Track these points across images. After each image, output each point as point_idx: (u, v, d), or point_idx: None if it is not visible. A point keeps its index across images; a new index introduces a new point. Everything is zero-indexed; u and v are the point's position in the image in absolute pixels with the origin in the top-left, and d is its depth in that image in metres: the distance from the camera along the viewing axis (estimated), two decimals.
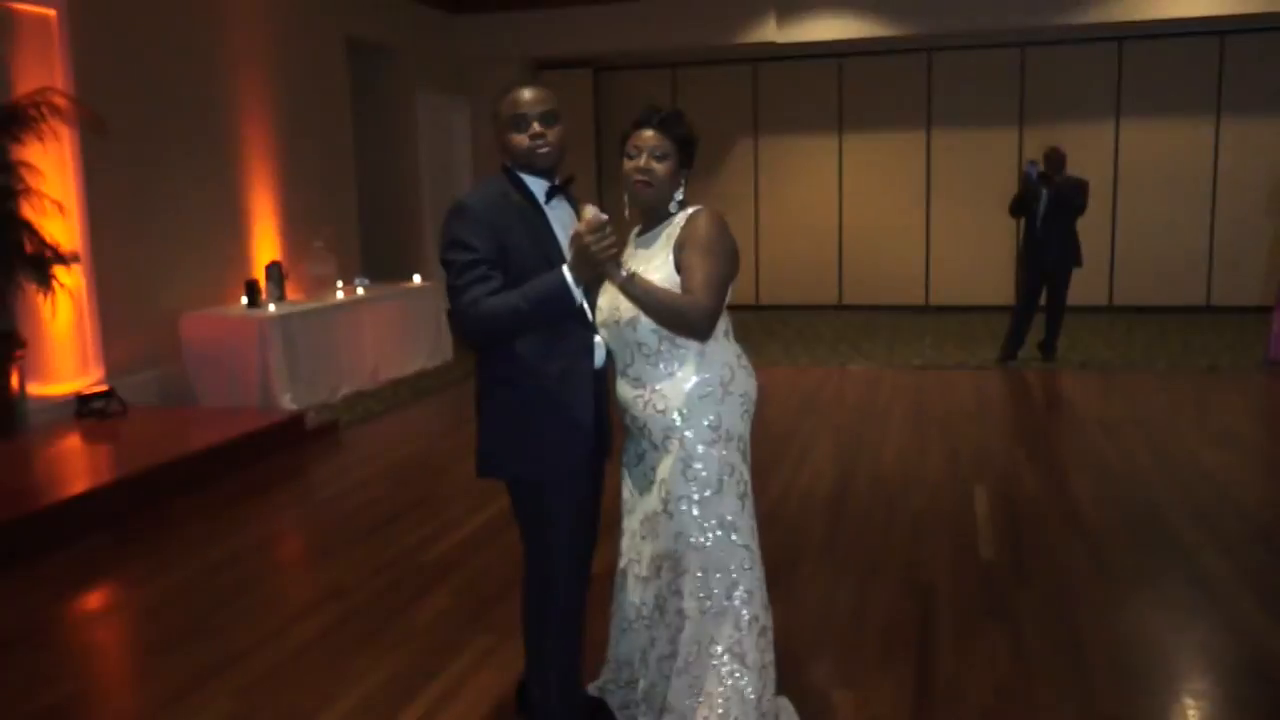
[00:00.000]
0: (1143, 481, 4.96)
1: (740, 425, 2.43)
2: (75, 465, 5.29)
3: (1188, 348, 8.48)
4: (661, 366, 2.40)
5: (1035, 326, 8.15)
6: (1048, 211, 7.75)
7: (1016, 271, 8.12)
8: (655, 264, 2.39)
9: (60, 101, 5.47)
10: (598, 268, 2.23)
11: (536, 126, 2.38)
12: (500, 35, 10.64)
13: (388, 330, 7.78)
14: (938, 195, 11.02)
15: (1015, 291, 8.15)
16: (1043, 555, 4.02)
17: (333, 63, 8.57)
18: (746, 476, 2.45)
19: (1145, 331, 9.36)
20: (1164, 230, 10.52)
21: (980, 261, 10.91)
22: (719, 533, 2.39)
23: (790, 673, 3.09)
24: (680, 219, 2.43)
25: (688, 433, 2.38)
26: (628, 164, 2.41)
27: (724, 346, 2.44)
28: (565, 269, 2.26)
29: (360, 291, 7.78)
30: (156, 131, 6.61)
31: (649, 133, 2.39)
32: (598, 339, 2.45)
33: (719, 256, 2.37)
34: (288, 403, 6.49)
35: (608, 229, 2.20)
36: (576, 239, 2.22)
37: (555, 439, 2.39)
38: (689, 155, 2.45)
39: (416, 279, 8.63)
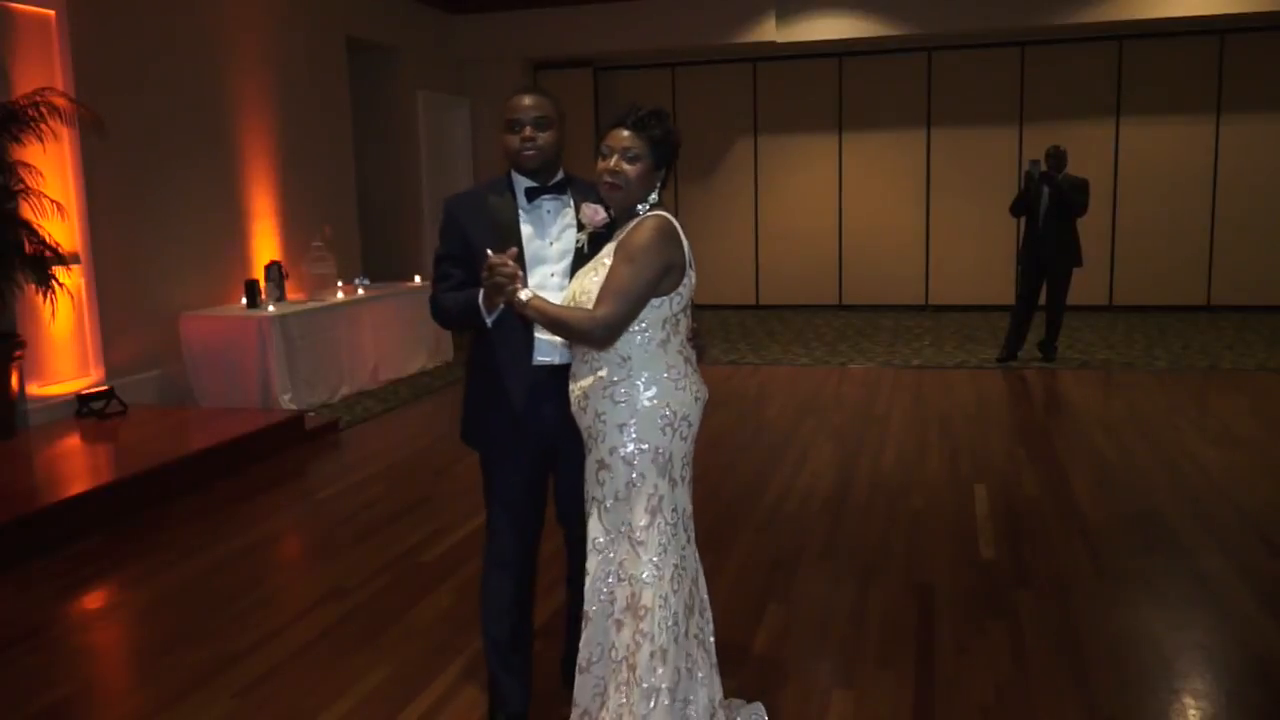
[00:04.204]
0: (1143, 481, 4.96)
1: (661, 438, 2.34)
2: (75, 465, 5.29)
3: (1188, 348, 8.48)
4: (589, 364, 2.40)
5: (1035, 326, 8.15)
6: (1049, 210, 7.74)
7: (1016, 271, 8.12)
8: (604, 264, 2.37)
9: (60, 101, 5.48)
10: (497, 297, 2.39)
11: (527, 130, 2.52)
12: (500, 35, 10.65)
13: (388, 330, 7.79)
14: (938, 195, 11.02)
15: (1015, 291, 8.16)
16: (1043, 555, 4.02)
17: (333, 63, 8.58)
18: (664, 491, 2.35)
19: (1145, 331, 9.36)
20: (1164, 230, 10.52)
21: (980, 261, 10.91)
22: (624, 542, 2.36)
23: (790, 673, 3.10)
24: (635, 222, 2.38)
25: (602, 435, 2.37)
26: (600, 164, 2.37)
27: (653, 357, 2.35)
28: (479, 293, 2.47)
29: (360, 291, 7.78)
30: (156, 131, 6.62)
31: (623, 132, 2.35)
32: (548, 337, 2.52)
33: (639, 267, 2.27)
34: (288, 403, 6.49)
35: (499, 267, 2.32)
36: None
37: (492, 420, 2.63)
38: (665, 156, 2.38)
39: (417, 279, 8.63)
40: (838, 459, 5.47)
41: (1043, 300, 8.00)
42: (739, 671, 3.04)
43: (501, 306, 2.46)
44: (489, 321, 2.51)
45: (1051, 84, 10.54)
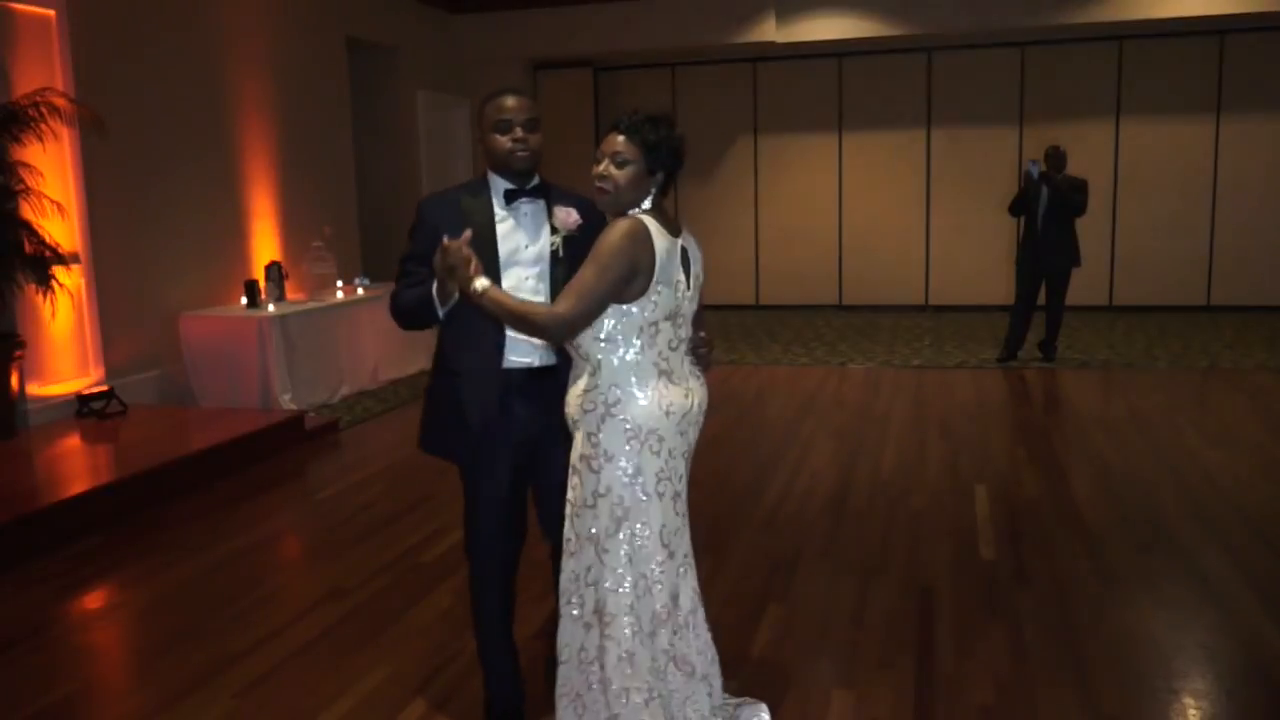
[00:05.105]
0: (1143, 481, 4.96)
1: (625, 451, 2.31)
2: (75, 465, 5.29)
3: (1188, 348, 8.48)
4: (576, 369, 2.41)
5: (1035, 326, 8.15)
6: (1047, 211, 7.74)
7: (1016, 271, 8.14)
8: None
9: (60, 101, 5.48)
10: (451, 283, 2.35)
11: (519, 132, 2.54)
12: (500, 35, 10.65)
13: (388, 330, 7.77)
14: (938, 195, 11.02)
15: (1015, 291, 8.18)
16: (1043, 555, 4.02)
17: (333, 63, 8.57)
18: (631, 503, 2.32)
19: (1145, 331, 9.36)
20: (1164, 230, 10.51)
21: (980, 261, 10.91)
22: (589, 548, 2.37)
23: (790, 673, 3.09)
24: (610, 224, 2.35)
25: (576, 441, 2.39)
26: (594, 168, 2.36)
27: (622, 368, 2.31)
28: (434, 284, 2.42)
29: (360, 291, 7.78)
30: (156, 131, 6.61)
31: (617, 137, 2.33)
32: (524, 338, 2.47)
33: (603, 268, 2.23)
34: (288, 403, 6.49)
35: (454, 249, 2.29)
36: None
37: (456, 426, 2.57)
38: (660, 162, 2.34)
39: None
40: (838, 459, 5.47)
41: (1042, 300, 8.00)
42: (739, 671, 3.04)
43: (455, 298, 2.39)
44: (440, 314, 2.44)
45: (1051, 84, 10.54)
